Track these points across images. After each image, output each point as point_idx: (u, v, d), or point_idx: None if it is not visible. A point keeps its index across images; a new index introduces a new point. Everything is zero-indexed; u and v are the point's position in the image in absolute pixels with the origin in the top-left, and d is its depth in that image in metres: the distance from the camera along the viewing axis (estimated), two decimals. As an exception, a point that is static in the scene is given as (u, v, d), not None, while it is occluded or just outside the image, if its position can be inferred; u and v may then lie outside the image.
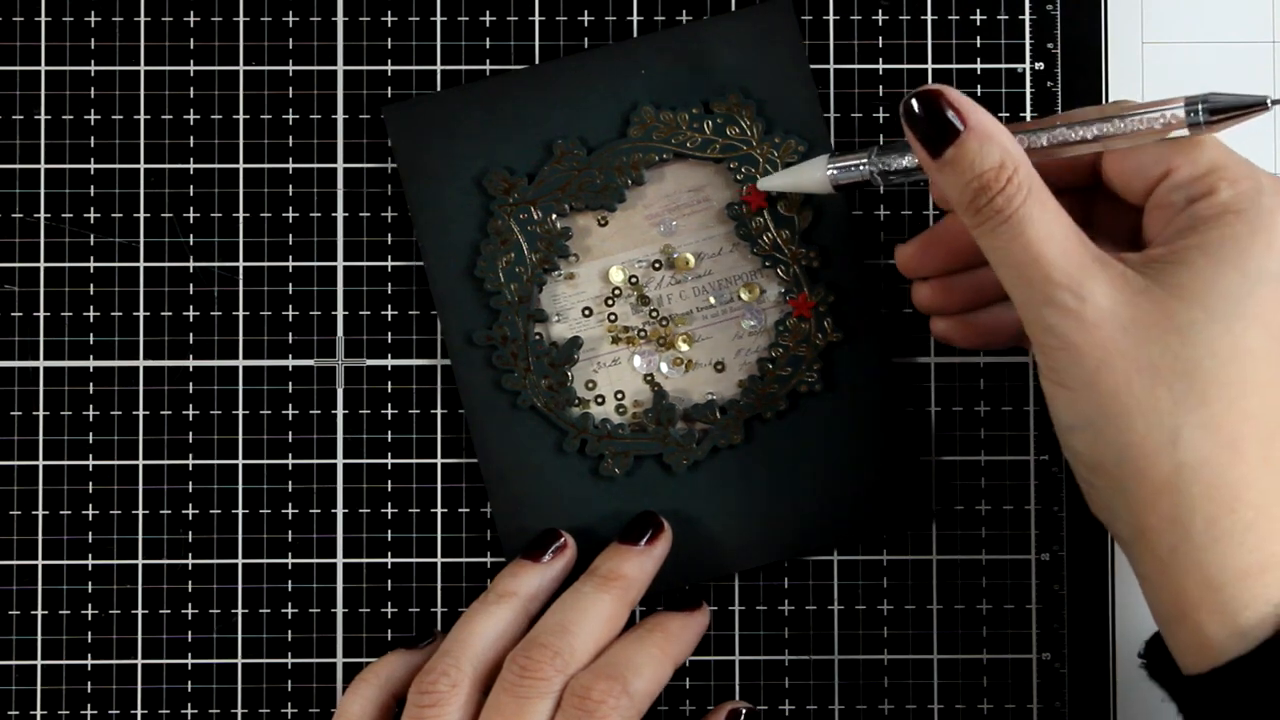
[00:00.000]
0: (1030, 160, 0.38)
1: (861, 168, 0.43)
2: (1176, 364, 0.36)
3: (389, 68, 0.49)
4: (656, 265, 0.48)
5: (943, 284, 0.45)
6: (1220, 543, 0.36)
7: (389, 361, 0.48)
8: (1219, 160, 0.38)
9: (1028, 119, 0.49)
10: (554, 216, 0.48)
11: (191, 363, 0.48)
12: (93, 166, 0.48)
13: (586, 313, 0.48)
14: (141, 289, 0.48)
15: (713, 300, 0.48)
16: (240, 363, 0.48)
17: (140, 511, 0.48)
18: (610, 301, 0.48)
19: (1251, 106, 0.37)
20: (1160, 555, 0.37)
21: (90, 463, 0.48)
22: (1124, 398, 0.36)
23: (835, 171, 0.44)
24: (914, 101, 0.38)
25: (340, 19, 0.49)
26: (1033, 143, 0.39)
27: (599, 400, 0.48)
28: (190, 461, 0.48)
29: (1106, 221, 0.42)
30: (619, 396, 0.48)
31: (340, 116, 0.49)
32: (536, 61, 0.49)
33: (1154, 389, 0.36)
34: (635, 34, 0.49)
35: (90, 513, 0.48)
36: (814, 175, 0.44)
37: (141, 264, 0.48)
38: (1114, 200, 0.42)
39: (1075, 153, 0.39)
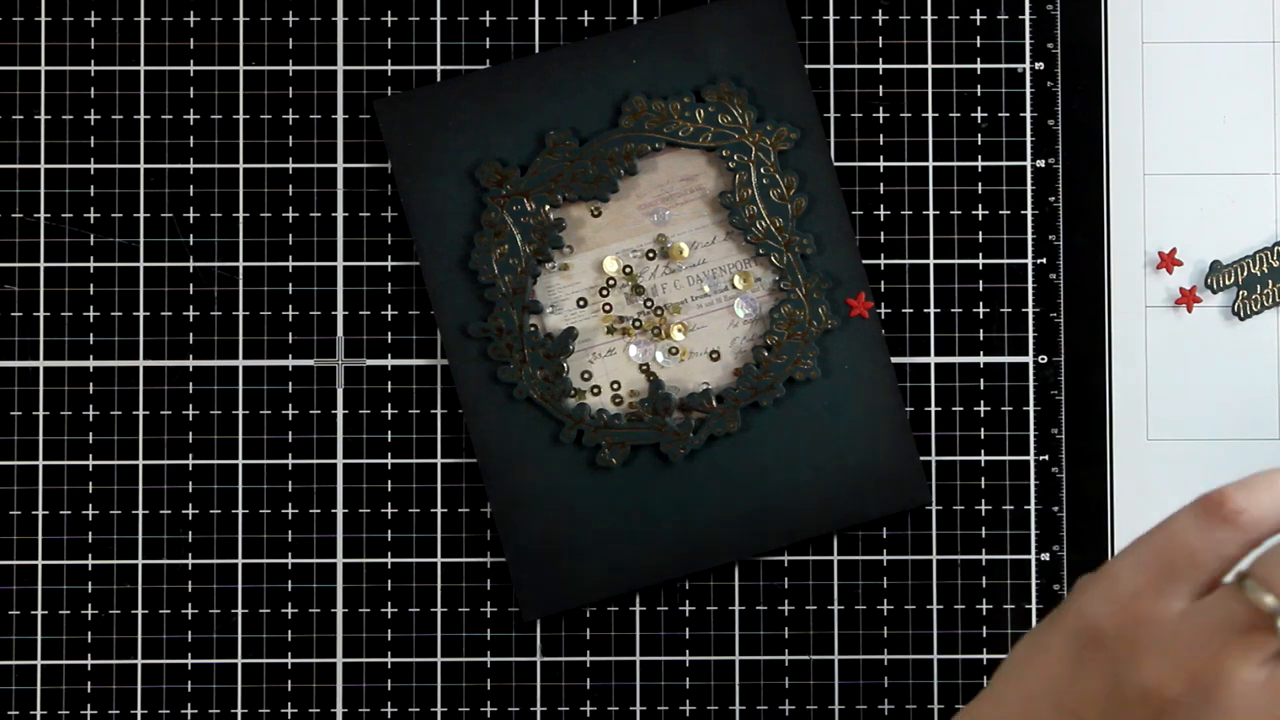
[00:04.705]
0: None
1: None
2: None
3: (388, 68, 0.49)
4: (650, 255, 0.48)
5: None
6: None
7: (389, 361, 0.48)
8: None
9: (1028, 119, 0.49)
10: (547, 208, 0.48)
11: (191, 363, 0.48)
12: (93, 166, 0.48)
13: (581, 303, 0.48)
14: (141, 289, 0.48)
15: (707, 289, 0.48)
16: (240, 363, 0.48)
17: (140, 511, 0.48)
18: (605, 292, 0.48)
19: None
20: None
21: (90, 463, 0.48)
22: None
23: None
24: None
25: (340, 19, 0.49)
26: None
27: (595, 391, 0.48)
28: (190, 461, 0.48)
29: None
30: (615, 387, 0.48)
31: (340, 116, 0.49)
32: (536, 61, 0.49)
33: None
34: (635, 34, 0.49)
35: (90, 513, 0.48)
36: None
37: (141, 264, 0.48)
38: None
39: None
